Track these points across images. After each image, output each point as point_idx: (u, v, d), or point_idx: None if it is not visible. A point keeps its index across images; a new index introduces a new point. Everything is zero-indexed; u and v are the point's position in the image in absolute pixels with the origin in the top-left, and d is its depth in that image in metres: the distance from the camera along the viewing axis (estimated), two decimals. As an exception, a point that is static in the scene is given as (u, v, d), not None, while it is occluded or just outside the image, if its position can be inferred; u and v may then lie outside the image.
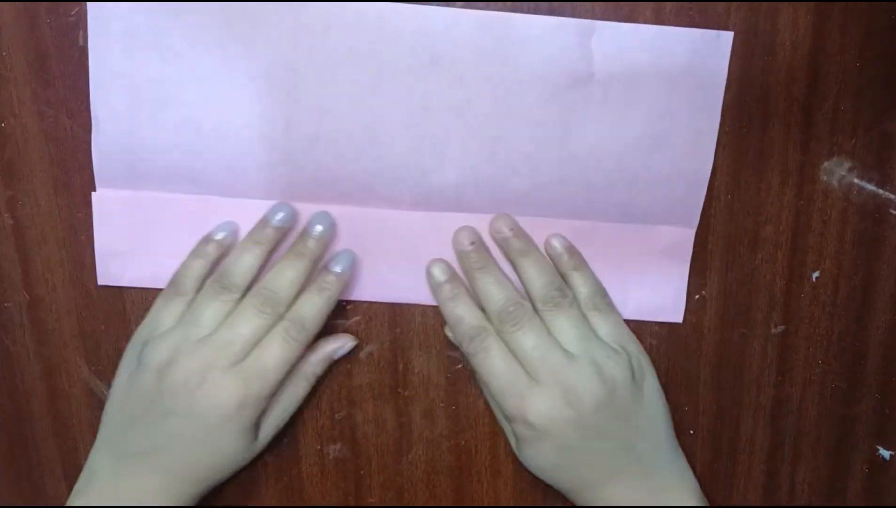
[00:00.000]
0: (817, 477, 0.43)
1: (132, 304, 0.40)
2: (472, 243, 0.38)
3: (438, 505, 0.42)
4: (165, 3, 0.35)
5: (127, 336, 0.40)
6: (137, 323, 0.40)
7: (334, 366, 0.40)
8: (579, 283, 0.39)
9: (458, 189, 0.38)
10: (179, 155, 0.37)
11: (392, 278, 0.39)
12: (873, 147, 0.39)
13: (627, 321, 0.40)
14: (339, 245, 0.39)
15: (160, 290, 0.38)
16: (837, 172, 0.39)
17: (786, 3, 0.36)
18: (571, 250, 0.39)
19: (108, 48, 0.35)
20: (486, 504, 0.43)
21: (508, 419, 0.38)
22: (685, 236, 0.39)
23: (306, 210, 0.38)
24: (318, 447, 0.41)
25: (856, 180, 0.39)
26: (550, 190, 0.38)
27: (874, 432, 0.43)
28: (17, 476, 0.42)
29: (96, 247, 0.38)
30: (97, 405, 0.41)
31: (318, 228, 0.37)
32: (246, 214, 0.38)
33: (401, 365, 0.41)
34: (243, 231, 0.38)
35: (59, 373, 0.40)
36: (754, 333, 0.41)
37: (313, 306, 0.36)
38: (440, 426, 0.41)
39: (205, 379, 0.35)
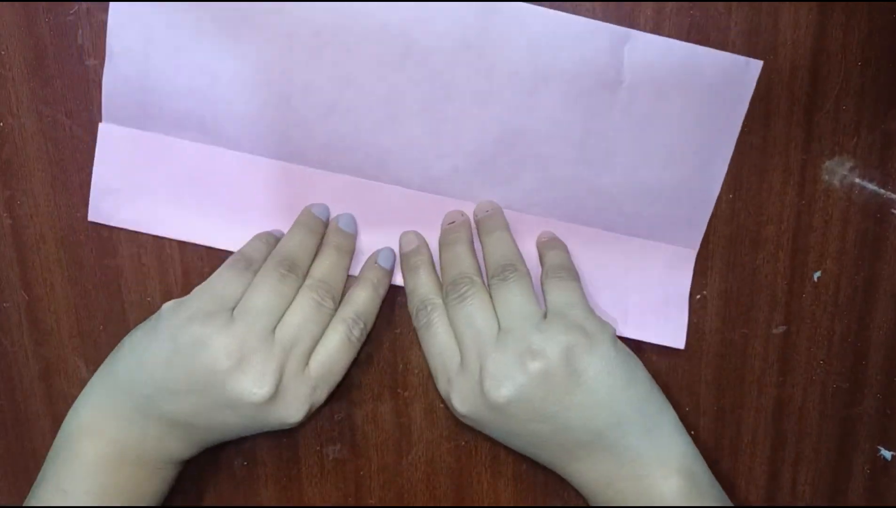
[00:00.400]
0: (819, 478, 0.43)
1: (131, 304, 0.39)
2: (451, 223, 0.38)
3: (438, 506, 0.42)
4: None
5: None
6: (136, 323, 0.39)
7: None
8: (551, 257, 0.37)
9: (468, 177, 0.38)
10: (192, 102, 0.36)
11: None
12: (875, 147, 0.39)
13: (627, 341, 0.37)
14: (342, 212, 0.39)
15: (149, 245, 0.38)
16: (839, 172, 0.39)
17: (787, 2, 0.36)
18: (554, 239, 0.38)
19: None
20: (485, 505, 0.42)
21: (444, 398, 0.36)
22: (686, 256, 0.39)
23: (315, 176, 0.38)
24: (318, 447, 0.41)
25: (857, 180, 0.39)
26: (559, 190, 0.38)
27: (876, 432, 0.43)
28: (15, 477, 0.42)
29: (93, 181, 0.37)
30: (96, 405, 0.41)
31: (348, 222, 0.38)
32: (253, 170, 0.37)
33: (401, 365, 0.41)
34: (247, 189, 0.38)
35: (57, 373, 0.40)
36: (755, 333, 0.41)
37: (372, 304, 0.37)
38: (440, 427, 0.41)
39: (280, 392, 0.33)
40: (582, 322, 0.34)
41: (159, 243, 0.39)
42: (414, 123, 0.37)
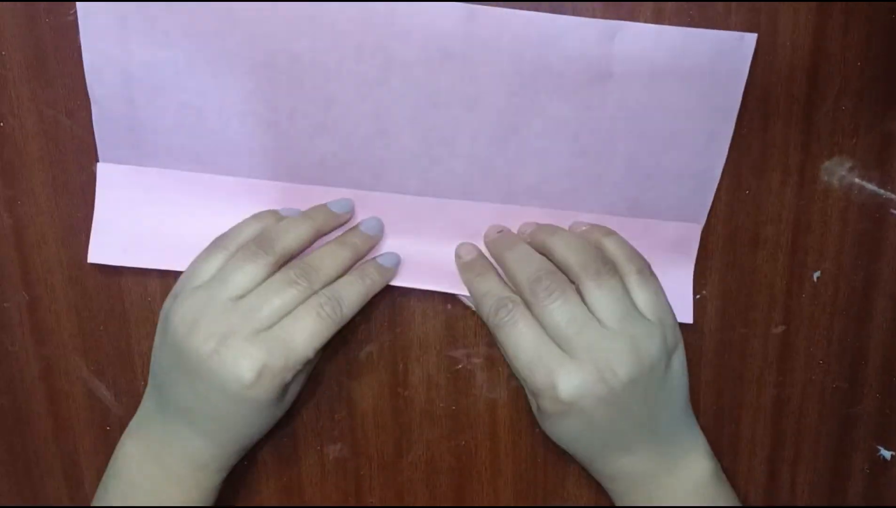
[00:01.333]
0: (818, 478, 0.43)
1: (132, 304, 0.39)
2: (500, 232, 0.38)
3: (438, 506, 0.42)
4: None
5: (126, 336, 0.40)
6: (137, 323, 0.40)
7: (333, 366, 0.40)
8: (614, 248, 0.37)
9: (465, 178, 0.38)
10: (182, 137, 0.37)
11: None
12: (874, 147, 0.39)
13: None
14: (344, 227, 0.38)
15: (156, 281, 0.38)
16: (838, 172, 0.39)
17: (786, 2, 0.36)
18: (595, 225, 0.38)
19: (98, 33, 0.35)
20: (486, 505, 0.42)
21: (534, 393, 0.36)
22: (692, 232, 0.39)
23: (313, 193, 0.38)
24: (318, 447, 0.41)
25: (856, 180, 0.39)
26: (559, 183, 0.38)
27: (875, 432, 0.43)
28: (16, 477, 0.42)
29: (94, 223, 0.38)
30: (96, 404, 0.41)
31: (370, 224, 0.38)
32: (252, 192, 0.38)
33: (401, 365, 0.41)
34: (249, 211, 0.38)
35: (58, 373, 0.40)
36: (755, 333, 0.41)
37: (353, 289, 0.35)
38: (440, 427, 0.41)
39: (224, 344, 0.33)
40: (673, 323, 0.37)
41: (160, 244, 0.39)
42: (404, 133, 0.37)
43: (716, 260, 0.40)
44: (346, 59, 0.35)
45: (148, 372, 0.40)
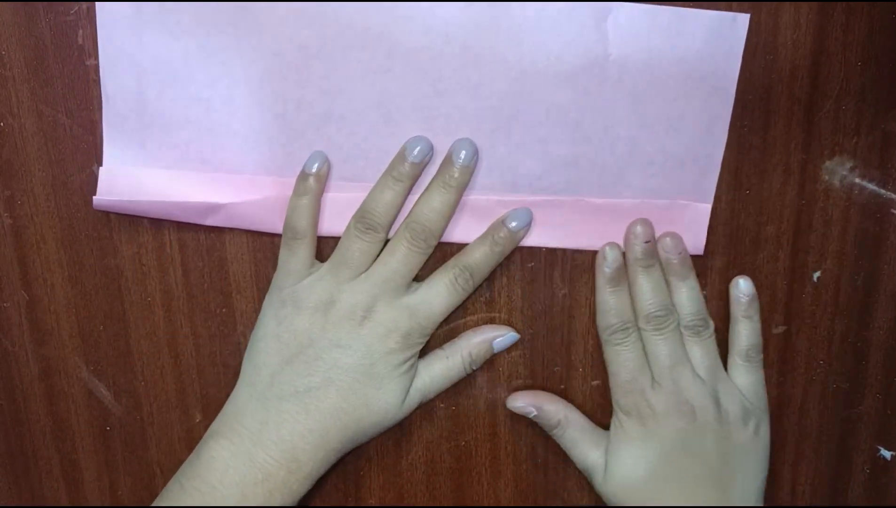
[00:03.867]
0: (819, 478, 0.43)
1: (131, 304, 0.39)
2: (648, 242, 0.38)
3: (438, 506, 0.42)
4: None
5: (126, 337, 0.40)
6: (136, 323, 0.40)
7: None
8: (743, 333, 0.39)
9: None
10: (190, 132, 0.37)
11: None
12: (875, 147, 0.39)
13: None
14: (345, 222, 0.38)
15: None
16: (839, 172, 0.39)
17: (788, 1, 0.36)
18: (751, 298, 0.40)
19: (114, 24, 0.35)
20: (486, 505, 0.42)
21: (625, 411, 0.38)
22: (701, 211, 0.39)
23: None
24: (318, 447, 0.41)
25: (857, 180, 0.39)
26: (563, 172, 0.38)
27: (876, 432, 0.43)
28: (15, 477, 0.42)
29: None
30: (96, 405, 0.41)
31: (463, 154, 0.37)
32: (257, 190, 0.37)
33: (401, 365, 0.41)
34: (261, 205, 0.37)
35: (57, 374, 0.40)
36: (756, 333, 0.41)
37: (483, 258, 0.37)
38: (440, 427, 0.41)
39: (372, 310, 0.36)
40: (760, 406, 0.40)
41: (159, 244, 0.39)
42: (408, 122, 0.37)
43: (716, 260, 0.40)
44: (351, 47, 0.35)
45: (147, 372, 0.40)
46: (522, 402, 0.40)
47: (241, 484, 0.35)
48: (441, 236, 0.37)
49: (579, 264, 0.40)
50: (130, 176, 0.37)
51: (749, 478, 0.39)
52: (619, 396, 0.39)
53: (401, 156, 0.37)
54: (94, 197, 0.37)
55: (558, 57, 0.36)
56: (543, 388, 0.41)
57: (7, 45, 0.36)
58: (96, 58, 0.36)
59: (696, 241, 0.39)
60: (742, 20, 0.36)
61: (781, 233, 0.40)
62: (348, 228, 0.37)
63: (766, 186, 0.39)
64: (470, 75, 0.36)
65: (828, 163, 0.39)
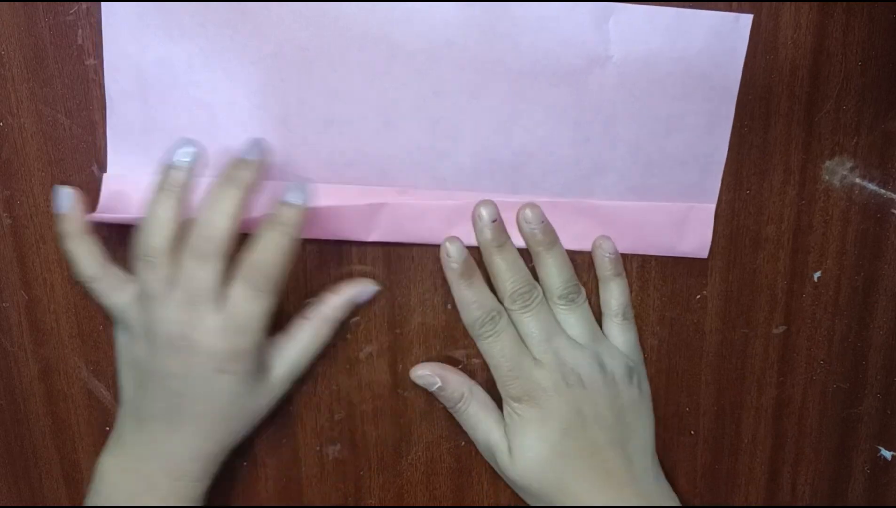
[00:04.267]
0: (819, 478, 0.43)
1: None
2: (494, 221, 0.38)
3: (438, 506, 0.42)
4: None
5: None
6: (136, 323, 0.40)
7: (333, 366, 0.40)
8: (616, 292, 0.39)
9: (472, 172, 0.38)
10: (193, 137, 0.36)
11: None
12: (875, 147, 0.39)
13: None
14: (354, 226, 0.38)
15: None
16: (839, 172, 0.39)
17: (788, 1, 0.36)
18: (615, 256, 0.39)
19: (118, 27, 0.35)
20: (485, 506, 0.42)
21: (515, 398, 0.37)
22: (705, 212, 0.39)
23: (321, 191, 0.37)
24: (318, 447, 0.41)
25: (857, 180, 0.39)
26: (564, 172, 0.38)
27: (876, 432, 0.43)
28: (15, 477, 0.42)
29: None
30: (96, 405, 0.41)
31: (248, 145, 0.34)
32: (260, 195, 0.37)
33: (400, 366, 0.41)
34: (257, 214, 0.36)
35: (57, 373, 0.40)
36: (756, 333, 0.41)
37: (270, 248, 0.33)
38: (440, 428, 0.41)
39: (188, 337, 0.33)
40: (641, 362, 0.40)
41: (159, 243, 0.39)
42: (409, 125, 0.37)
43: (717, 260, 0.40)
44: (351, 49, 0.35)
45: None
46: (427, 371, 0.39)
47: (132, 495, 0.35)
48: (230, 239, 0.33)
49: (577, 263, 0.40)
50: (134, 182, 0.37)
51: (642, 432, 0.39)
52: (507, 385, 0.37)
53: (167, 166, 0.34)
54: (94, 213, 0.37)
55: (558, 58, 0.36)
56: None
57: (7, 44, 0.36)
58: (96, 58, 0.36)
59: (702, 242, 0.39)
60: (745, 20, 0.36)
61: (781, 233, 0.40)
62: (134, 261, 0.34)
63: (766, 185, 0.39)
64: (470, 77, 0.36)
65: (828, 163, 0.39)
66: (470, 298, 0.38)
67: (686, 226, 0.39)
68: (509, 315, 0.38)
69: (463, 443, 0.42)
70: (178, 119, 0.36)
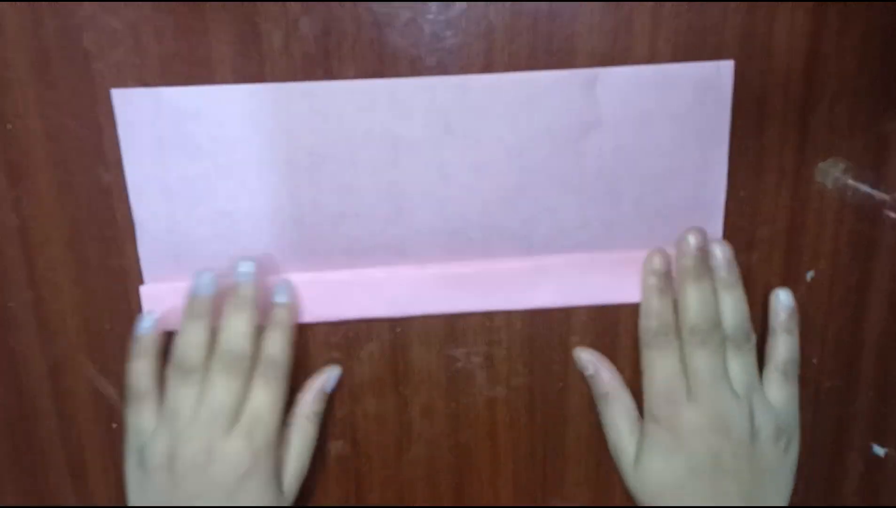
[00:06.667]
0: (813, 476, 0.43)
1: (137, 303, 0.40)
2: (699, 250, 0.38)
3: (439, 504, 0.43)
4: (188, 107, 0.36)
5: (132, 335, 0.40)
6: (141, 323, 0.40)
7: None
8: (783, 347, 0.39)
9: (485, 243, 0.39)
10: (218, 245, 0.38)
11: None
12: (869, 149, 0.39)
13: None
14: (373, 304, 0.40)
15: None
16: (832, 174, 0.39)
17: (783, 4, 0.37)
18: (792, 311, 0.39)
19: (140, 155, 0.37)
20: (486, 503, 0.43)
21: (654, 418, 0.38)
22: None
23: (342, 277, 0.39)
24: (319, 445, 0.41)
25: (851, 182, 0.40)
26: (574, 232, 0.39)
27: (869, 429, 0.43)
28: (22, 476, 0.42)
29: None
30: (102, 403, 0.41)
31: (243, 269, 0.37)
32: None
33: (401, 364, 0.41)
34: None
35: (64, 372, 0.41)
36: (751, 332, 0.41)
37: (277, 344, 0.37)
38: (440, 425, 0.42)
39: (211, 452, 0.35)
40: (796, 427, 0.39)
41: (163, 244, 0.39)
42: (419, 210, 0.38)
43: (712, 260, 0.40)
44: (357, 146, 0.37)
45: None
46: (588, 356, 0.40)
47: None
48: (252, 354, 0.37)
49: (618, 316, 0.40)
50: (171, 291, 0.38)
51: (777, 496, 0.38)
52: (655, 404, 0.38)
53: (192, 294, 0.37)
54: (144, 313, 0.39)
55: (553, 128, 0.37)
56: (542, 385, 0.41)
57: (13, 48, 0.36)
58: (101, 61, 0.36)
59: None
60: (726, 68, 0.37)
61: (775, 234, 0.40)
62: (167, 381, 0.37)
63: (760, 187, 0.39)
64: (471, 157, 0.37)
65: (821, 165, 0.39)
66: (655, 307, 0.38)
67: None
68: (683, 346, 0.38)
69: (463, 441, 0.42)
70: (203, 229, 0.38)
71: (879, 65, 0.38)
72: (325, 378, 0.40)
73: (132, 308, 0.40)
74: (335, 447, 0.42)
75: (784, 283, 0.41)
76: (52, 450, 0.41)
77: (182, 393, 0.36)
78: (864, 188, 0.40)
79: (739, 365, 0.38)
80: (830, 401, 0.42)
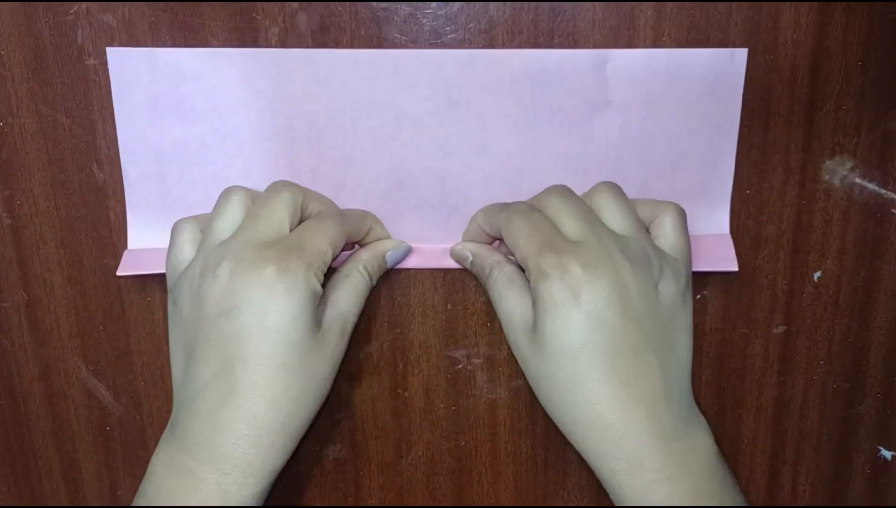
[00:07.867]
0: (819, 478, 0.43)
1: (130, 304, 0.39)
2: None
3: (438, 506, 0.42)
4: (185, 69, 0.35)
5: (125, 336, 0.40)
6: (136, 323, 0.40)
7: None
8: (671, 215, 0.35)
9: None
10: (210, 210, 0.37)
11: None
12: (875, 146, 0.39)
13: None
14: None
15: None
16: (839, 172, 0.39)
17: (788, 1, 0.36)
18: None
19: (133, 115, 0.36)
20: (486, 506, 0.42)
21: (545, 274, 0.32)
22: (722, 239, 0.39)
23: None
24: (318, 448, 0.41)
25: (858, 180, 0.39)
26: None
27: (876, 432, 0.43)
28: (14, 477, 0.42)
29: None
30: (95, 405, 0.41)
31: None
32: None
33: (400, 366, 0.41)
34: None
35: (57, 373, 0.40)
36: (756, 333, 0.41)
37: (353, 210, 0.37)
38: (440, 428, 0.41)
39: (238, 260, 0.32)
40: (689, 261, 0.36)
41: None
42: (419, 185, 0.38)
43: (717, 260, 0.40)
44: (359, 117, 0.36)
45: (147, 372, 0.40)
46: (460, 248, 0.38)
47: (174, 496, 0.31)
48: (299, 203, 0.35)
49: None
50: (154, 257, 0.37)
51: (682, 350, 0.34)
52: (539, 259, 0.32)
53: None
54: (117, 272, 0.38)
55: (561, 108, 0.36)
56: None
57: (6, 44, 0.36)
58: (96, 58, 0.36)
59: (727, 264, 0.39)
60: (740, 55, 0.36)
61: (782, 233, 0.40)
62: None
63: (766, 185, 0.39)
64: (475, 134, 0.37)
65: (828, 163, 0.39)
66: (473, 219, 0.38)
67: (707, 252, 0.39)
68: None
69: (463, 443, 0.42)
70: (195, 195, 0.37)
71: (886, 62, 0.38)
72: (391, 245, 0.38)
73: (126, 310, 0.39)
74: (334, 450, 0.42)
75: (790, 282, 0.40)
76: (44, 452, 0.41)
77: (220, 224, 0.34)
78: (872, 186, 0.39)
79: (614, 203, 0.34)
80: (837, 403, 0.42)
